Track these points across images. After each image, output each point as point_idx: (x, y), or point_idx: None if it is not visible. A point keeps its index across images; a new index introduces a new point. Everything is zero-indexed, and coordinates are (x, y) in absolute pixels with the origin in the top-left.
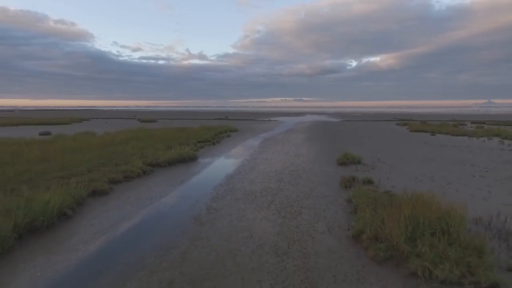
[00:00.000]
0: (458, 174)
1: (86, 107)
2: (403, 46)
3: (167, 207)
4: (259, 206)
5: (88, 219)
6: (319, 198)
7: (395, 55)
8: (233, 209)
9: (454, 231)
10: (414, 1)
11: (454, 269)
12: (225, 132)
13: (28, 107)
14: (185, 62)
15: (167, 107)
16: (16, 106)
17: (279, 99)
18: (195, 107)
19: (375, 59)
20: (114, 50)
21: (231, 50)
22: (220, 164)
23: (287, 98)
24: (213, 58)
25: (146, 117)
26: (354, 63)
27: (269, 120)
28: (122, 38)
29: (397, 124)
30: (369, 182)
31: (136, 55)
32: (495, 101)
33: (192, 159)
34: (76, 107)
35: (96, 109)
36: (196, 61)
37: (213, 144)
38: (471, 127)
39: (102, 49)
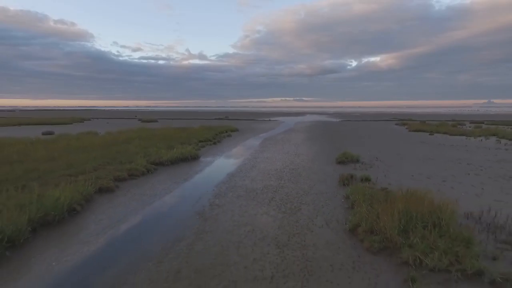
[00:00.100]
0: (453, 172)
1: (86, 107)
2: (403, 46)
3: (171, 203)
4: (260, 203)
5: (97, 214)
6: (318, 195)
7: (395, 55)
8: (235, 205)
9: (444, 224)
10: (414, 1)
11: (443, 258)
12: (226, 132)
13: (28, 107)
14: (185, 62)
15: (167, 107)
16: (16, 106)
17: (279, 99)
18: (195, 107)
19: (375, 59)
20: (114, 50)
21: (231, 50)
22: (222, 163)
23: (287, 98)
24: (213, 58)
25: (146, 117)
26: (354, 63)
27: (269, 120)
28: (122, 38)
29: (396, 124)
30: (367, 179)
31: (136, 55)
32: (495, 101)
33: (194, 158)
34: (76, 107)
35: (96, 109)
36: (196, 61)
37: (214, 143)
38: (470, 127)
39: (102, 49)
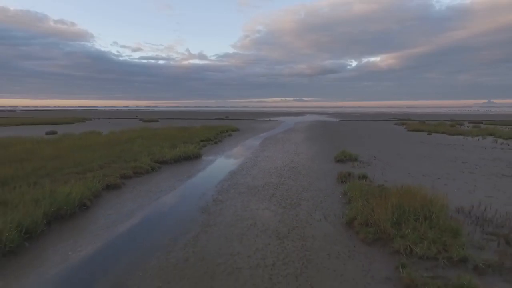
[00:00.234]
0: (448, 170)
1: (86, 107)
2: (403, 46)
3: (176, 199)
4: (261, 198)
5: (105, 209)
6: (317, 191)
7: (395, 55)
8: (237, 201)
9: (435, 217)
10: (414, 1)
11: (431, 247)
12: (227, 131)
13: (28, 107)
14: (185, 62)
15: (167, 107)
16: (17, 106)
17: (279, 99)
18: (195, 107)
19: (375, 59)
20: (114, 50)
21: (231, 50)
22: (223, 162)
23: (287, 98)
24: (213, 58)
25: (147, 117)
26: (354, 63)
27: (269, 120)
28: (122, 38)
29: (395, 124)
30: (364, 177)
31: (136, 55)
32: (495, 101)
33: (197, 156)
34: (76, 107)
35: (97, 109)
36: (196, 61)
37: (216, 143)
38: (468, 126)
39: (102, 49)
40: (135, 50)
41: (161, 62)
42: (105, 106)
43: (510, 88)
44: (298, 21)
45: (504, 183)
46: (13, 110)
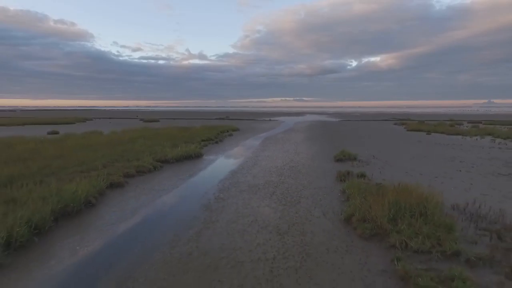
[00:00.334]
0: (446, 169)
1: (86, 107)
2: (403, 46)
3: (179, 197)
4: (262, 196)
5: (110, 206)
6: (317, 189)
7: (395, 55)
8: (238, 199)
9: (430, 213)
10: (414, 1)
11: (426, 241)
12: (227, 131)
13: (28, 107)
14: (185, 62)
15: (167, 107)
16: (17, 106)
17: (279, 99)
18: (195, 107)
19: (375, 59)
20: (114, 50)
21: (231, 50)
22: (224, 161)
23: (287, 98)
24: (213, 58)
25: (148, 116)
26: (354, 63)
27: (270, 120)
28: (122, 38)
29: (395, 124)
30: (363, 175)
31: (136, 55)
32: (495, 101)
33: (198, 156)
34: (76, 107)
35: (97, 109)
36: (196, 61)
37: (216, 142)
38: (467, 126)
39: (102, 49)
40: (135, 50)
41: (161, 62)
42: (105, 106)
43: (510, 88)
44: (298, 21)
45: (500, 182)
46: (13, 110)
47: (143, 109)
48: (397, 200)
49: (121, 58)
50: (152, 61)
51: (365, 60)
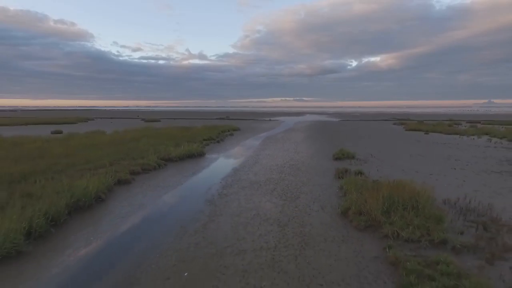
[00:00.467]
0: (441, 167)
1: (86, 107)
2: (403, 46)
3: (184, 193)
4: (263, 192)
5: (119, 201)
6: (315, 186)
7: (395, 55)
8: (241, 195)
9: (421, 206)
10: (414, 1)
11: (416, 231)
12: (228, 131)
13: (29, 107)
14: (185, 62)
15: (167, 107)
16: (17, 106)
17: (279, 99)
18: (195, 107)
19: (375, 59)
20: (114, 50)
21: (231, 50)
22: (226, 159)
23: (287, 98)
24: (213, 58)
25: (149, 116)
26: (354, 63)
27: (270, 120)
28: (122, 38)
29: (394, 124)
30: (360, 173)
31: (136, 55)
32: (495, 101)
33: (200, 155)
34: (76, 107)
35: (97, 109)
36: (196, 61)
37: (218, 142)
38: (466, 126)
39: (102, 49)
40: (135, 50)
41: (161, 62)
42: (105, 106)
43: (510, 88)
44: (298, 21)
45: (492, 179)
46: (14, 110)
47: (143, 109)
48: (391, 194)
49: (121, 58)
50: (152, 61)
51: (365, 60)
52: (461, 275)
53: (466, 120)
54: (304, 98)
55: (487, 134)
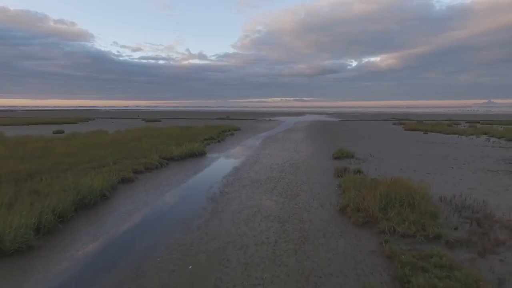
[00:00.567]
0: (438, 166)
1: (87, 107)
2: (403, 46)
3: (186, 191)
4: (264, 190)
5: (123, 199)
6: (315, 184)
7: (395, 55)
8: (242, 193)
9: (417, 203)
10: (414, 1)
11: (411, 227)
12: (229, 130)
13: (29, 107)
14: (185, 62)
15: (167, 107)
16: (17, 106)
17: (279, 99)
18: (195, 107)
19: (375, 59)
20: (114, 50)
21: (231, 50)
22: (227, 158)
23: (287, 98)
24: (213, 58)
25: (149, 116)
26: (354, 63)
27: (270, 119)
28: (122, 38)
29: (393, 124)
30: (359, 172)
31: (136, 55)
32: (496, 101)
33: (201, 154)
34: (76, 107)
35: (97, 109)
36: (196, 61)
37: (219, 141)
38: (465, 126)
39: (102, 49)
40: (135, 50)
41: (161, 62)
42: (105, 106)
43: (510, 88)
44: (298, 21)
45: (488, 177)
46: (14, 110)
47: (144, 109)
48: (388, 192)
49: (121, 58)
50: (152, 61)
51: (365, 60)
52: (453, 267)
53: (466, 120)
54: (304, 98)
55: (485, 133)
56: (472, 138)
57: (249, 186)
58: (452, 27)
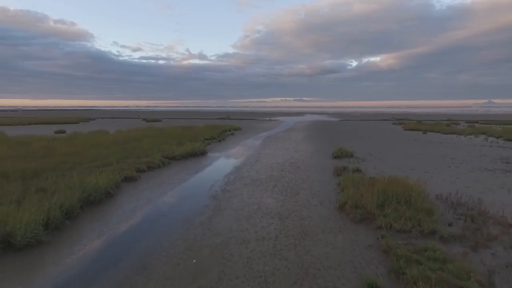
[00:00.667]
0: (436, 165)
1: (87, 107)
2: (403, 46)
3: (188, 189)
4: (265, 189)
5: (127, 197)
6: (315, 182)
7: (395, 55)
8: (243, 191)
9: (414, 200)
10: (414, 1)
11: (407, 223)
12: (229, 130)
13: (29, 107)
14: (185, 62)
15: (167, 107)
16: (17, 106)
17: (279, 99)
18: (195, 107)
19: (375, 59)
20: (114, 50)
21: (231, 50)
22: (228, 158)
23: (287, 98)
24: (213, 58)
25: (149, 116)
26: (354, 63)
27: (270, 119)
28: (122, 38)
29: (393, 124)
30: (358, 170)
31: (136, 55)
32: (495, 101)
33: (203, 153)
34: (76, 107)
35: (97, 109)
36: (196, 61)
37: (219, 141)
38: (464, 126)
39: (102, 49)
40: (135, 50)
41: (161, 62)
42: (106, 106)
43: (511, 88)
44: (298, 21)
45: (484, 176)
46: (15, 110)
47: (144, 109)
48: (386, 189)
49: (121, 58)
50: (152, 61)
51: (365, 60)
52: (446, 260)
53: (465, 120)
54: (304, 98)
55: (484, 133)
56: (470, 138)
57: (250, 184)
58: (452, 27)
